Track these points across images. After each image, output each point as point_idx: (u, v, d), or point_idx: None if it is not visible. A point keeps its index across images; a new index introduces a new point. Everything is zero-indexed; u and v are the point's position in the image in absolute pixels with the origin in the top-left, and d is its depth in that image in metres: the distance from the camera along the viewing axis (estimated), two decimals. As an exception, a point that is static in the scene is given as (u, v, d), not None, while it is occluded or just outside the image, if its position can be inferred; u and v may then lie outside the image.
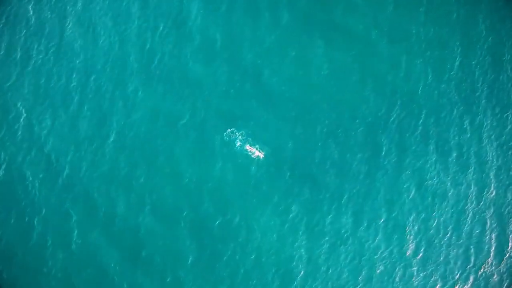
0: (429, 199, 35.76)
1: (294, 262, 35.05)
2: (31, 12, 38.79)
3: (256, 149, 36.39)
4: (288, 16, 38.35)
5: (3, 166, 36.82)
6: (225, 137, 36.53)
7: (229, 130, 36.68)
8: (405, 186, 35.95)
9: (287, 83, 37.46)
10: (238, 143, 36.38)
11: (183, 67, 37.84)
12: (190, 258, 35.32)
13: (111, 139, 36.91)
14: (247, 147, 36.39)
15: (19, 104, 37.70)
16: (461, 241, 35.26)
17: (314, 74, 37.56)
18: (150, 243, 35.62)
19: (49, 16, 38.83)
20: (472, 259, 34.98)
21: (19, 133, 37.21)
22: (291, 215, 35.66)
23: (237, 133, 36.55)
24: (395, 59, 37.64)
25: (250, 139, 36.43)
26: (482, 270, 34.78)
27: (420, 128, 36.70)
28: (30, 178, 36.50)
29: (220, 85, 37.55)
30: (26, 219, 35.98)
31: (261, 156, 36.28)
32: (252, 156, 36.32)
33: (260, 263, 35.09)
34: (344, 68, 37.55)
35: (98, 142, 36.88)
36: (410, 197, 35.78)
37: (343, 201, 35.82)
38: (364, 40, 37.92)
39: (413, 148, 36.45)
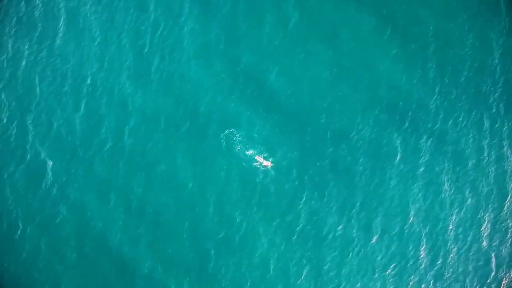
0: (446, 208, 34.37)
1: (302, 276, 33.88)
2: (23, 11, 37.22)
3: (263, 157, 35.02)
4: (297, 16, 36.70)
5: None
6: (223, 139, 35.22)
7: (228, 130, 35.34)
8: (420, 194, 34.58)
9: (295, 85, 36.07)
10: (239, 147, 35.12)
11: (184, 68, 36.35)
12: (194, 270, 34.26)
13: (108, 145, 35.61)
14: (250, 152, 35.02)
15: (12, 107, 36.20)
16: (480, 252, 33.98)
17: (324, 75, 36.11)
18: (152, 254, 34.50)
19: (42, 15, 37.20)
20: (493, 272, 33.76)
21: (12, 138, 35.80)
22: (298, 227, 34.40)
23: (237, 134, 35.25)
24: (410, 59, 36.04)
25: (249, 144, 35.16)
26: (504, 281, 33.62)
27: (436, 132, 35.17)
28: (24, 185, 35.22)
29: (224, 87, 36.14)
30: (19, 227, 34.80)
31: (269, 164, 34.95)
32: (257, 162, 35.01)
33: (266, 278, 34.01)
34: (355, 69, 36.07)
35: (95, 148, 35.53)
36: (425, 206, 34.45)
37: (354, 212, 34.45)
38: (375, 39, 36.35)
39: (429, 153, 34.98)
